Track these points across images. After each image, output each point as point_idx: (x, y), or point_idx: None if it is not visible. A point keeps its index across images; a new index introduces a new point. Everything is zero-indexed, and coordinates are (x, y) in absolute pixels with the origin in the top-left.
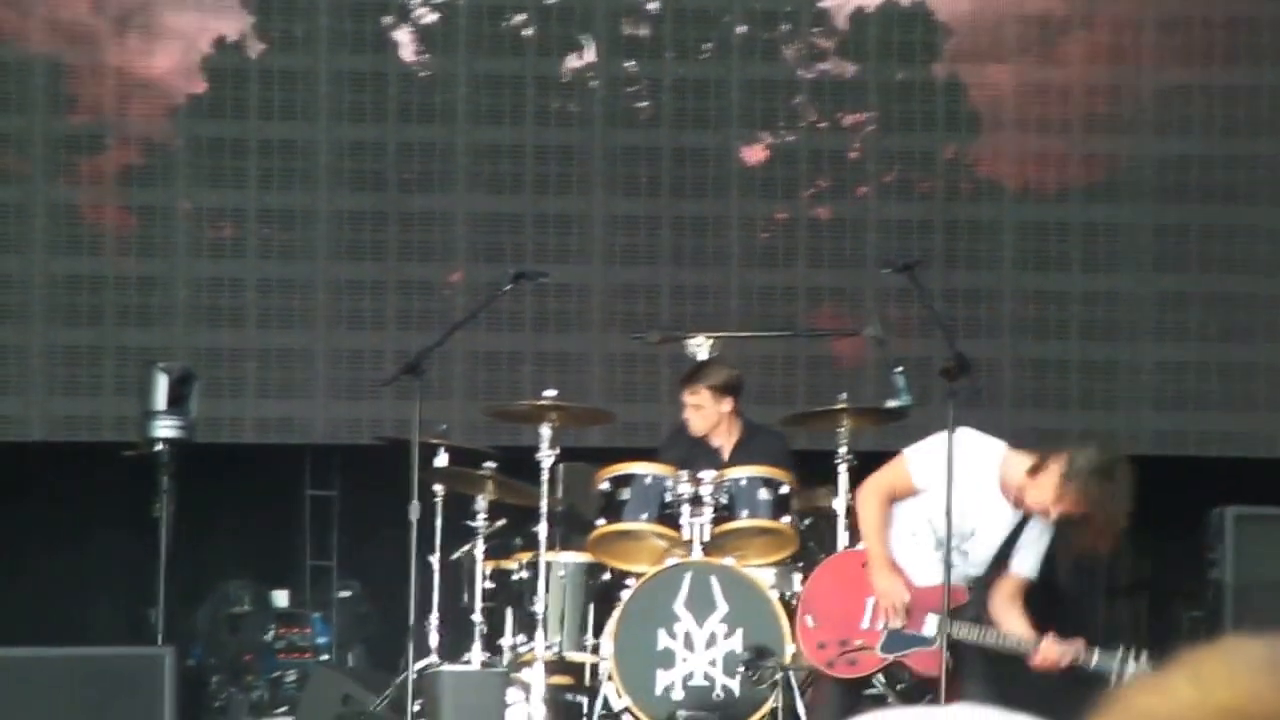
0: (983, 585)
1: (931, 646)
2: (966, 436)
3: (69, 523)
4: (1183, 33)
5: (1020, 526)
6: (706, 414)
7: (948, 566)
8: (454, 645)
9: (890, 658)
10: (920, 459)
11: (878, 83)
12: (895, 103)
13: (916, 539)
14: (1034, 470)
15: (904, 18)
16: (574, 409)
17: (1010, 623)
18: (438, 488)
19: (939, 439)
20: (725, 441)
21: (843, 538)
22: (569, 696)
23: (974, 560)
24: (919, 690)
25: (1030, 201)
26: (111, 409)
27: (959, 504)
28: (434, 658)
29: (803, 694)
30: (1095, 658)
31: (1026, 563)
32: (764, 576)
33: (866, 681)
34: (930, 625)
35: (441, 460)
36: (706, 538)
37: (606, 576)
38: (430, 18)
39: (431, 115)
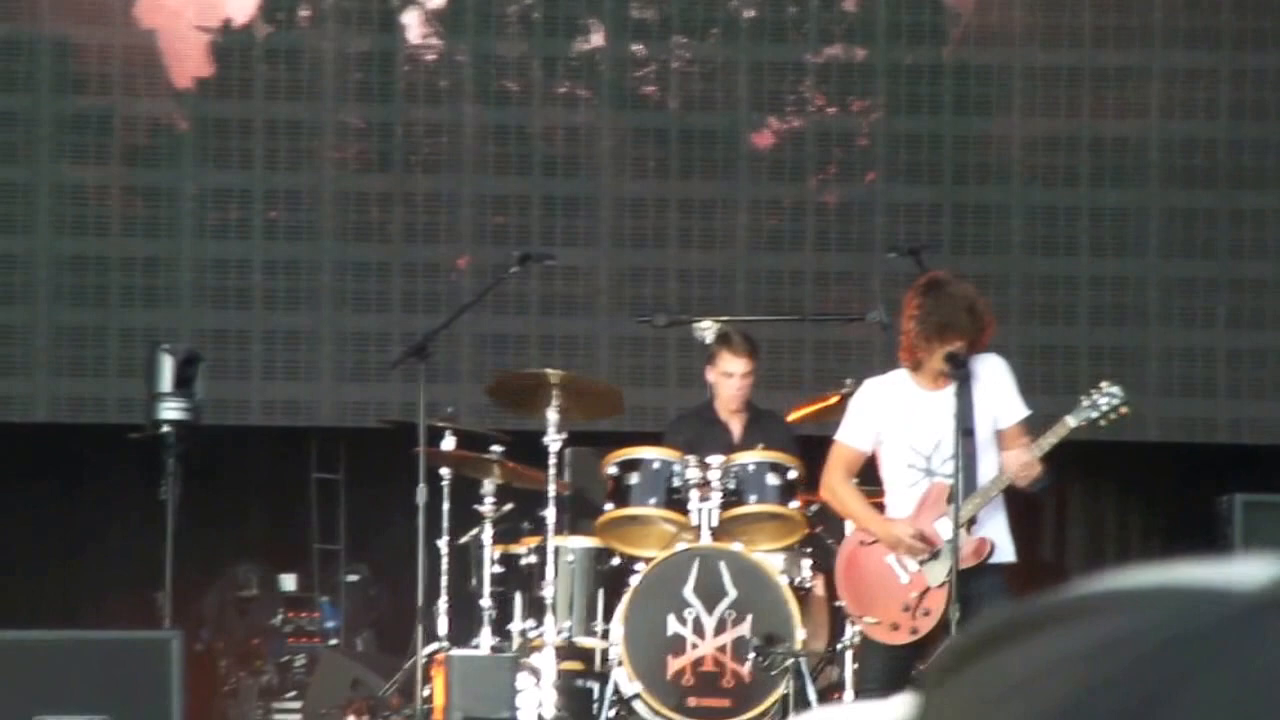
0: (969, 459)
1: (958, 542)
2: (864, 386)
3: (74, 506)
4: (1191, 15)
5: (967, 400)
6: (748, 385)
7: (956, 525)
8: (462, 629)
9: (946, 579)
10: (847, 429)
11: (886, 66)
12: (903, 86)
13: (914, 470)
14: (909, 352)
15: (912, 1)
16: (582, 381)
17: (1007, 461)
18: (444, 471)
19: (851, 404)
20: (734, 421)
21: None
22: (579, 682)
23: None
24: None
25: (1038, 186)
26: (117, 391)
27: (916, 433)
28: (443, 642)
29: (814, 679)
30: (1070, 419)
31: (1010, 408)
32: (773, 562)
33: (915, 651)
34: (945, 528)
35: (448, 443)
36: (715, 523)
37: (615, 561)
38: None
39: (438, 96)
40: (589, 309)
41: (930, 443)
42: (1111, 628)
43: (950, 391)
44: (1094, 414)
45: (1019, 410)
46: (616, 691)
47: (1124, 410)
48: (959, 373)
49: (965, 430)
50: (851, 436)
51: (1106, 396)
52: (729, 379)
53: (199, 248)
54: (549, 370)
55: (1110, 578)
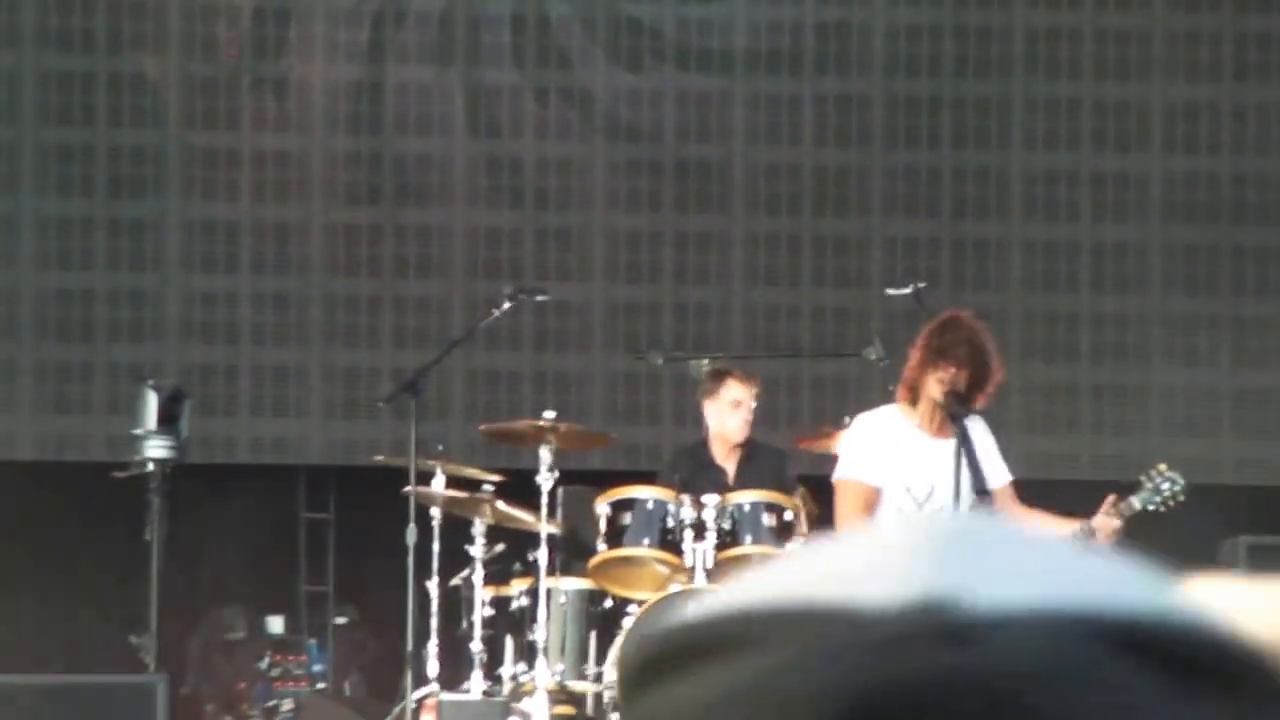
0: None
1: None
2: (860, 421)
3: (58, 545)
4: (1192, 49)
5: (961, 451)
6: (750, 415)
7: None
8: (453, 673)
9: None
10: (856, 465)
11: (884, 99)
12: (901, 119)
13: (904, 514)
14: (908, 387)
15: (910, 33)
16: (572, 431)
17: (1040, 524)
18: (435, 511)
19: (846, 438)
20: (729, 461)
21: None
22: None
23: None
24: None
25: (1039, 221)
26: (102, 428)
27: (911, 477)
28: (433, 686)
29: None
30: (1135, 501)
31: (996, 470)
32: None
33: None
34: None
35: (439, 483)
36: (709, 564)
37: (608, 603)
38: (428, 28)
39: (429, 128)
40: (583, 345)
41: (924, 490)
42: (741, 670)
43: (951, 443)
44: (1156, 498)
45: (1006, 473)
46: None
47: (1182, 498)
48: (960, 411)
49: (980, 489)
50: (863, 472)
51: (1168, 481)
52: (737, 408)
53: (186, 281)
54: (539, 423)
55: (745, 593)
